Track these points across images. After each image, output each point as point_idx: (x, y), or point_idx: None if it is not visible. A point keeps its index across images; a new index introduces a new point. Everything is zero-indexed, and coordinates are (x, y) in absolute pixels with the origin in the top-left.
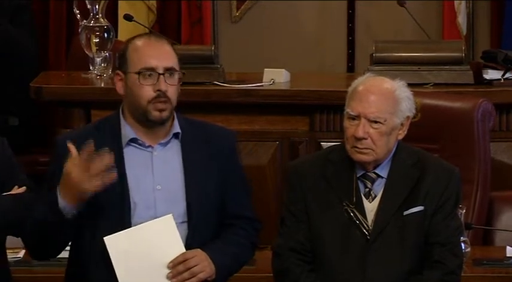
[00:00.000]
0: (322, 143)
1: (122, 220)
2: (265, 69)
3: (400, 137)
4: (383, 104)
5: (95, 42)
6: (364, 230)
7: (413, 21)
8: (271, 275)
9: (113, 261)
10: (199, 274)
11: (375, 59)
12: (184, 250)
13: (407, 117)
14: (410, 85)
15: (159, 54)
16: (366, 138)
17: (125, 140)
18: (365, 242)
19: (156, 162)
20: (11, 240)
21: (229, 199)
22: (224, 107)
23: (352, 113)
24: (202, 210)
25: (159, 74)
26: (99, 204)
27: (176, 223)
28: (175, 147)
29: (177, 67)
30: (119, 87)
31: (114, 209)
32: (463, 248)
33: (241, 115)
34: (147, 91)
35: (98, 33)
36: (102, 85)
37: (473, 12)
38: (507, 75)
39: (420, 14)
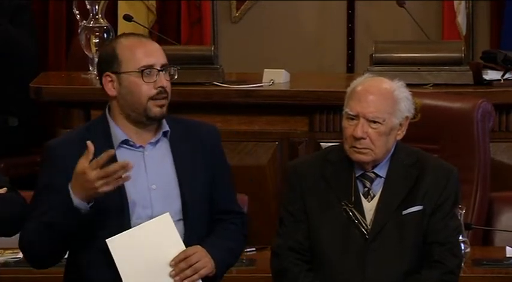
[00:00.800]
0: (321, 143)
1: (122, 220)
2: (265, 69)
3: (399, 137)
4: (382, 104)
5: (95, 42)
6: (363, 230)
7: (413, 21)
8: (271, 275)
9: (116, 263)
10: (201, 270)
11: (374, 59)
12: (184, 247)
13: (406, 117)
14: (410, 85)
15: (155, 52)
16: (364, 138)
17: (116, 141)
18: (364, 241)
19: (148, 161)
20: (11, 240)
21: (218, 194)
22: (224, 107)
23: (350, 113)
24: (196, 207)
25: (158, 70)
26: (98, 206)
27: (173, 221)
28: (164, 145)
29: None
30: (110, 88)
31: (113, 210)
32: (463, 248)
33: (241, 115)
34: (148, 88)
35: (97, 33)
36: None
37: (473, 12)
38: (507, 75)
39: (420, 14)
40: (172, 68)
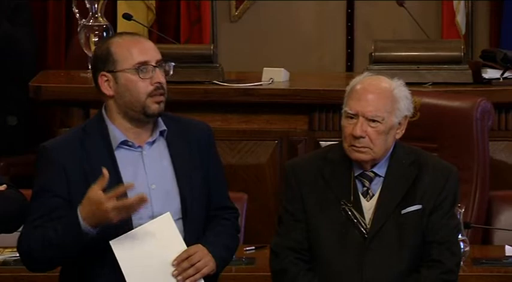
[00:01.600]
0: (321, 142)
1: (124, 221)
2: (264, 68)
3: (398, 136)
4: (381, 103)
5: (94, 41)
6: (362, 229)
7: (413, 20)
8: (270, 274)
9: (120, 263)
10: (203, 269)
11: (374, 58)
12: (185, 246)
13: (405, 116)
14: (409, 84)
15: (149, 48)
16: (363, 137)
17: (114, 142)
18: (363, 240)
19: (147, 161)
20: (10, 239)
21: (213, 191)
22: (223, 106)
23: (350, 112)
24: (195, 205)
25: (154, 66)
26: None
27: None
28: (161, 145)
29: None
30: (106, 88)
31: None
32: (462, 247)
33: (240, 114)
34: (145, 85)
35: (97, 32)
36: None
37: (472, 11)
38: (506, 74)
39: (419, 13)
40: (167, 64)
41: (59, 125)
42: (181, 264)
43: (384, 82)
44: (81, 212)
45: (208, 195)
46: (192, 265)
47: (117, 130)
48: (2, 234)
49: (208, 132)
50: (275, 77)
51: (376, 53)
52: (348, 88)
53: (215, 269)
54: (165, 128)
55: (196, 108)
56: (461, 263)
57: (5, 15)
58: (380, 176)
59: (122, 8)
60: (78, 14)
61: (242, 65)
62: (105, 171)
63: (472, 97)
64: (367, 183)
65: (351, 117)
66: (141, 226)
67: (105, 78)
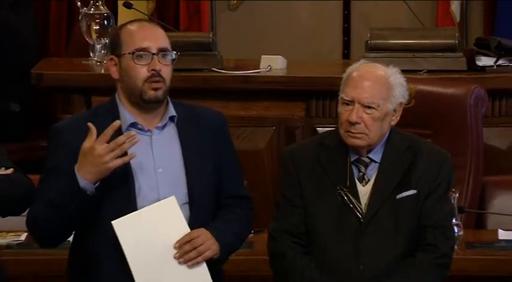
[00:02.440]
0: (318, 129)
1: (129, 202)
2: (262, 56)
3: (393, 123)
4: (376, 90)
5: (95, 29)
6: (358, 214)
7: (408, 8)
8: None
9: (121, 244)
10: (206, 253)
11: (370, 46)
12: (189, 230)
13: (400, 103)
14: (404, 71)
15: (152, 36)
16: (359, 123)
17: (124, 125)
18: (359, 225)
19: (155, 145)
20: (13, 223)
21: (225, 179)
22: (222, 93)
23: (346, 98)
24: (202, 191)
25: (153, 54)
26: (104, 188)
27: (179, 205)
28: (172, 130)
29: (170, 48)
30: (113, 71)
31: (120, 192)
32: (456, 231)
33: (239, 101)
34: (142, 71)
35: (98, 20)
36: (102, 71)
37: (467, 0)
38: (500, 61)
39: (414, 1)
40: (169, 53)
41: (60, 112)
42: (183, 247)
43: (380, 70)
44: (78, 170)
45: (219, 183)
46: (195, 248)
47: (127, 113)
48: (5, 218)
49: (222, 121)
50: (273, 64)
51: (372, 41)
52: (344, 75)
53: (218, 254)
54: (175, 114)
55: (195, 95)
56: (455, 246)
57: (6, 5)
58: (376, 162)
59: None
60: (79, 2)
61: (240, 53)
62: (90, 124)
63: (466, 84)
64: (363, 169)
65: (347, 104)
66: (145, 208)
67: (113, 62)
